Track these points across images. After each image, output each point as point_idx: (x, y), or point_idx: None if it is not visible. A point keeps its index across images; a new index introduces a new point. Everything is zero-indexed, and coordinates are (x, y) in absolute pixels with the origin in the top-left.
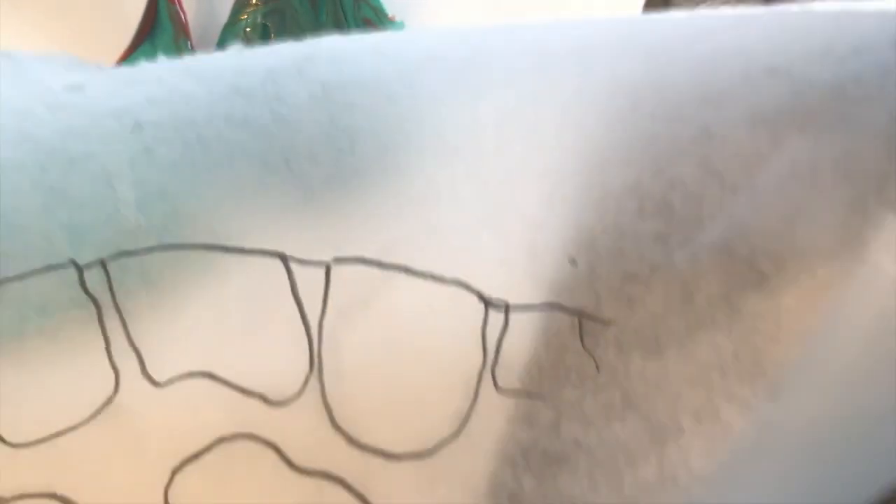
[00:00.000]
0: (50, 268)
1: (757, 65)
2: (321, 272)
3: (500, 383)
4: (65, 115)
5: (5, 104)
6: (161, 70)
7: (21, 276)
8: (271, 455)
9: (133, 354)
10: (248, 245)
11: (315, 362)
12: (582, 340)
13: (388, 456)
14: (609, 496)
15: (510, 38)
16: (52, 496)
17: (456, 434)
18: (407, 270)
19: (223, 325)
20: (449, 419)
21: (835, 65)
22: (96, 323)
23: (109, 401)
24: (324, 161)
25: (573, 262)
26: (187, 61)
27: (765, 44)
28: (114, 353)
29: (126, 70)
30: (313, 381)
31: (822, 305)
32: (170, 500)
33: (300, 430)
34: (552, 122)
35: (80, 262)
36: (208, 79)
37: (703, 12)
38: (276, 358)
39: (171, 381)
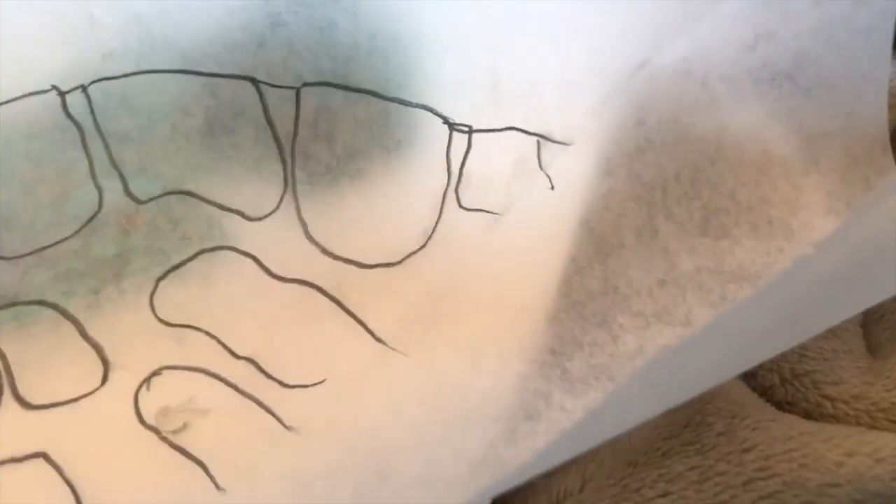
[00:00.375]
0: (33, 94)
1: None
2: (291, 94)
3: (462, 202)
4: None
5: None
6: None
7: (5, 102)
8: (251, 265)
9: (116, 174)
10: (221, 71)
11: (289, 181)
12: (540, 162)
13: (360, 265)
14: (559, 301)
15: None
16: (42, 303)
17: (422, 247)
18: (373, 94)
19: (200, 147)
20: (416, 234)
21: None
22: (80, 145)
23: (94, 217)
24: None
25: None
26: None
27: None
28: (97, 173)
29: None
30: (288, 198)
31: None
32: (154, 306)
33: (277, 243)
34: None
35: (63, 88)
36: None
37: None
38: (252, 177)
39: (151, 199)
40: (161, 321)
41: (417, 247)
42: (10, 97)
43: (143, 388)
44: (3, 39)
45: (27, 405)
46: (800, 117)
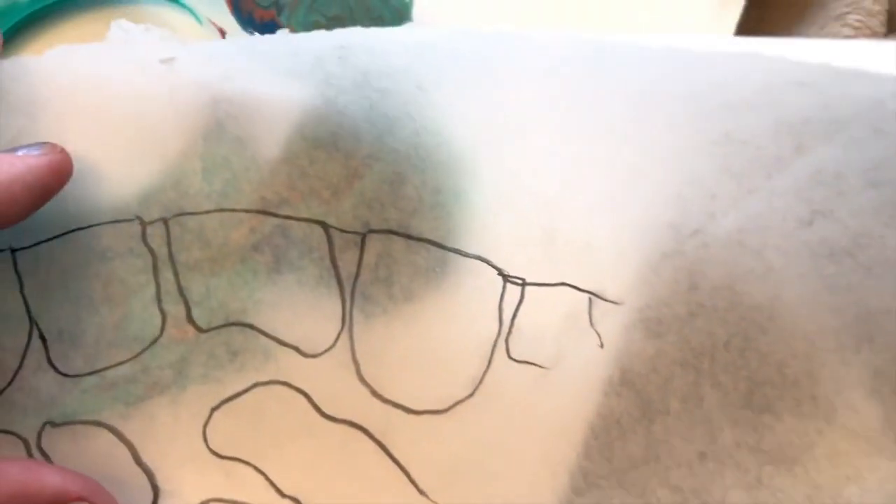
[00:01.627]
0: (118, 221)
1: (784, 77)
2: (357, 239)
3: (512, 353)
4: (154, 85)
5: (113, 70)
6: (234, 48)
7: (89, 227)
8: (302, 401)
9: (181, 301)
10: (296, 214)
11: (346, 320)
12: (590, 319)
13: (408, 410)
14: (601, 465)
15: (525, 42)
16: (98, 424)
17: (470, 395)
18: (433, 244)
19: (266, 282)
20: (465, 382)
21: (870, 83)
22: (150, 271)
23: (155, 341)
24: (366, 141)
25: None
26: (254, 41)
27: (793, 63)
28: (163, 299)
29: (210, 46)
30: (344, 337)
31: None
32: (207, 436)
33: (329, 381)
34: (570, 113)
35: (146, 219)
36: (268, 59)
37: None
38: (312, 314)
39: (213, 329)
40: (212, 452)
41: (465, 395)
42: (93, 221)
43: None
44: (93, 168)
45: None
46: (858, 293)
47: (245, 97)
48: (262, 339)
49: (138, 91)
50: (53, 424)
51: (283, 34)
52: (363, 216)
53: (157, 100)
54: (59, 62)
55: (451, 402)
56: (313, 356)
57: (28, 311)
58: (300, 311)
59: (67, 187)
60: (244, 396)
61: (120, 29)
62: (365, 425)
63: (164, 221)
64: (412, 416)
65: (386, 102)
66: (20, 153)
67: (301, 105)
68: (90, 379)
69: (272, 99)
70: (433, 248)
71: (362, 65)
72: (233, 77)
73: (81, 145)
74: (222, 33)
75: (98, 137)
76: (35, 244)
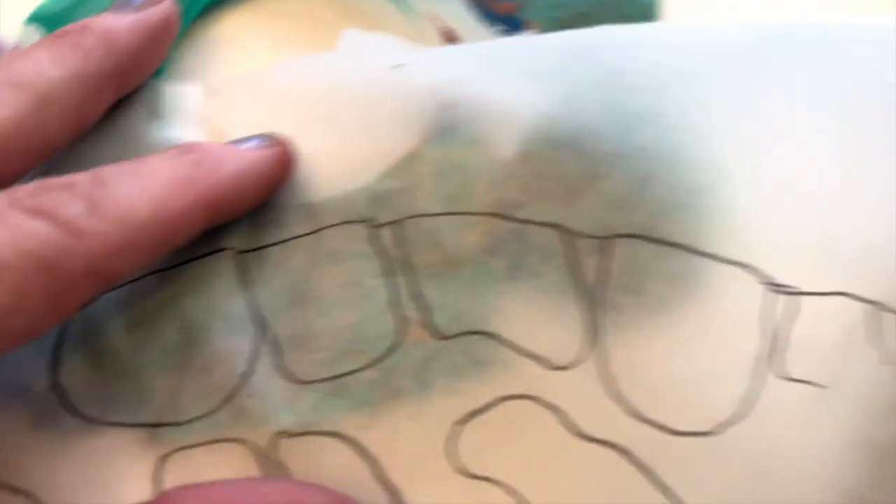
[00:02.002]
0: (347, 223)
1: None
2: (600, 245)
3: (781, 370)
4: (386, 90)
5: (344, 77)
6: (468, 52)
7: (320, 230)
8: (553, 419)
9: (416, 308)
10: (533, 218)
11: (593, 331)
12: (871, 333)
13: (672, 431)
14: (889, 495)
15: (786, 34)
16: (337, 435)
17: (742, 416)
18: (687, 249)
19: (504, 289)
20: (729, 401)
21: None
22: (385, 275)
23: (393, 348)
24: (609, 139)
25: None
26: (489, 45)
27: None
28: (400, 303)
29: (442, 51)
30: (594, 350)
31: None
32: (453, 453)
33: (579, 397)
34: (843, 106)
35: (377, 221)
36: (504, 62)
37: None
38: (555, 324)
39: (454, 336)
40: (460, 471)
41: (729, 414)
42: (323, 224)
43: None
44: (323, 171)
45: None
46: None
47: (478, 100)
48: (505, 349)
49: (369, 96)
50: (288, 434)
51: (521, 37)
52: (605, 219)
53: (387, 104)
54: (291, 73)
55: (714, 423)
56: (561, 369)
57: (255, 314)
58: (542, 320)
59: (296, 189)
60: (490, 411)
61: (351, 37)
62: (624, 445)
63: (397, 223)
64: (675, 438)
65: (633, 100)
66: (244, 146)
67: (539, 105)
68: (326, 386)
69: (508, 101)
70: (686, 254)
71: (608, 62)
72: (466, 80)
73: (311, 148)
74: (445, 30)
75: (328, 142)
76: (262, 247)
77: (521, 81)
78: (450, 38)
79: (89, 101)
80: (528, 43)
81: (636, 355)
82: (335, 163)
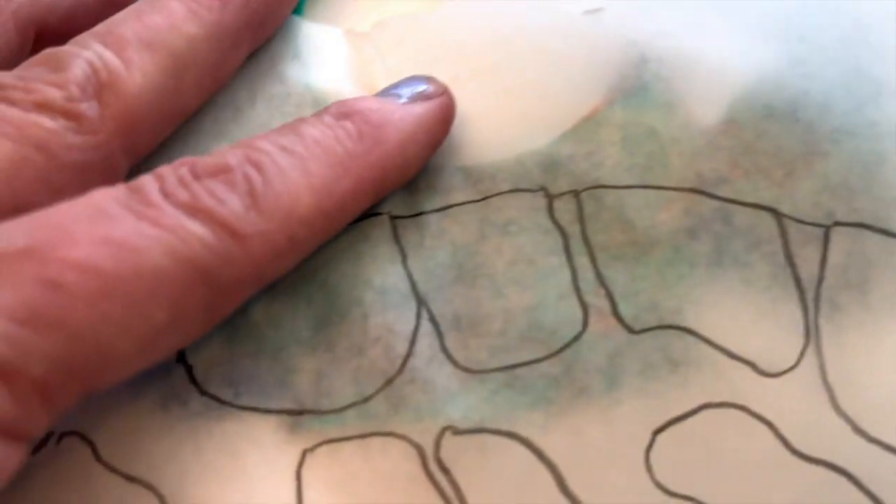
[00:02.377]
0: (519, 190)
1: None
2: (819, 233)
3: None
4: (573, 39)
5: (524, 22)
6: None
7: (487, 197)
8: (765, 433)
9: (603, 293)
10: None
11: (812, 333)
12: None
13: None
14: None
15: None
16: (512, 435)
17: None
18: None
19: (706, 277)
20: None
21: None
22: (562, 252)
23: (577, 338)
24: (838, 111)
25: None
26: None
27: None
28: (581, 287)
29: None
30: (811, 354)
31: None
32: (651, 465)
33: (796, 409)
34: None
35: (552, 191)
36: (723, 12)
37: None
38: (766, 322)
39: (647, 330)
40: (658, 485)
41: None
42: (496, 191)
43: None
44: (492, 131)
45: None
46: None
47: (681, 56)
48: (707, 348)
49: (552, 45)
50: (456, 431)
51: None
52: (826, 204)
53: (573, 57)
54: (457, 17)
55: None
56: (773, 375)
57: (414, 289)
58: (749, 317)
59: (458, 149)
60: (692, 419)
61: None
62: (849, 469)
63: (575, 194)
64: None
65: (879, 65)
66: (403, 98)
67: (761, 66)
68: (498, 377)
69: (717, 59)
70: None
71: (855, 14)
72: (670, 33)
73: (478, 104)
74: None
75: (497, 98)
76: (420, 213)
77: (744, 37)
78: None
79: (227, 58)
80: None
81: (857, 362)
82: (505, 122)
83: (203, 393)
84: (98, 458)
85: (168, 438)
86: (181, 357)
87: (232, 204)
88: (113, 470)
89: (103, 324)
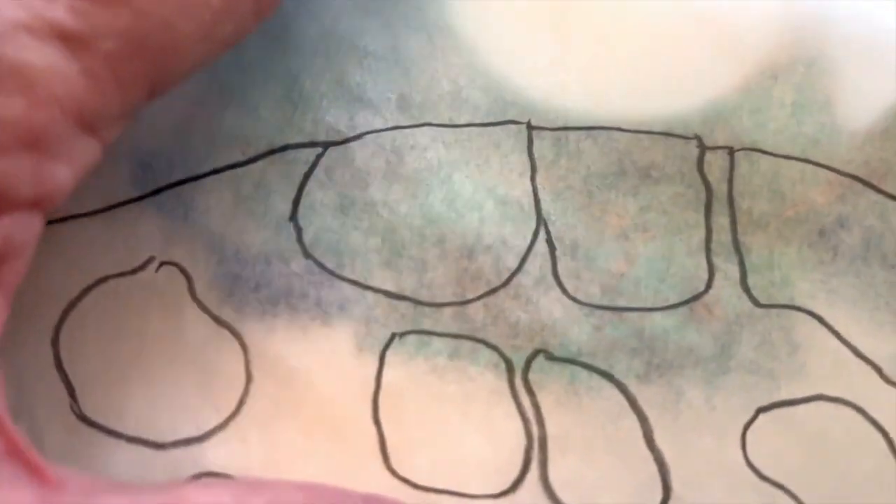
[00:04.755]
0: (670, 135)
1: None
2: None
3: None
4: None
5: None
6: None
7: (636, 131)
8: (877, 439)
9: (736, 258)
10: None
11: None
12: None
13: None
14: None
15: None
16: (608, 376)
17: None
18: None
19: (848, 269)
20: None
21: None
22: (702, 210)
23: (697, 296)
24: None
25: None
26: None
27: None
28: (713, 248)
29: None
30: None
31: None
32: (746, 442)
33: None
34: None
35: (707, 143)
36: None
37: None
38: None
39: (774, 306)
40: (750, 465)
41: None
42: (651, 129)
43: None
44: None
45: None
46: None
47: (871, 32)
48: (833, 340)
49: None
50: (549, 356)
51: None
52: None
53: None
54: None
55: None
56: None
57: (537, 206)
58: (886, 320)
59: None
60: (802, 407)
61: None
62: None
63: (730, 151)
64: None
65: None
66: None
67: None
68: (605, 315)
69: None
70: None
71: None
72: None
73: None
74: None
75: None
76: (560, 128)
77: None
78: None
79: None
80: None
81: None
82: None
83: (307, 256)
84: (193, 293)
85: (264, 290)
86: (293, 216)
87: None
88: (205, 309)
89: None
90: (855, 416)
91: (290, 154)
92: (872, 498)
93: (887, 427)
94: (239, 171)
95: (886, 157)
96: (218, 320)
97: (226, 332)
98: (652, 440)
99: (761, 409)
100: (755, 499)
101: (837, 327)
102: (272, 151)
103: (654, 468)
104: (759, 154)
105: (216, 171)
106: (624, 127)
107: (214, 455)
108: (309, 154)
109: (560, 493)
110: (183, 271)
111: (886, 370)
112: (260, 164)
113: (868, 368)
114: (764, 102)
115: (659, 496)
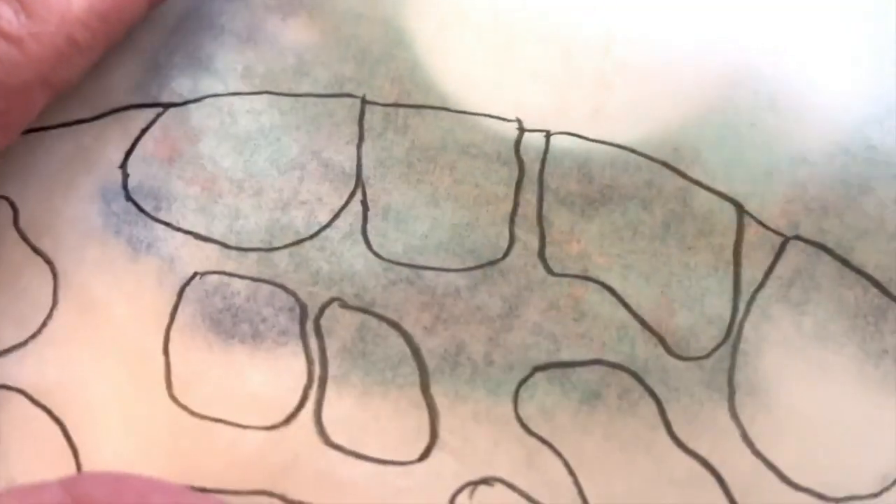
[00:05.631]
0: (495, 117)
1: None
2: (777, 243)
3: None
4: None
5: None
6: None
7: (463, 112)
8: (651, 408)
9: (537, 231)
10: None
11: (732, 333)
12: None
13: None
14: None
15: None
16: (397, 327)
17: None
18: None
19: (643, 247)
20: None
21: None
22: (512, 185)
23: (493, 262)
24: (839, 124)
25: None
26: None
27: None
28: (517, 220)
29: None
30: (726, 348)
31: None
32: (519, 398)
33: (687, 394)
34: None
35: (526, 125)
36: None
37: None
38: (695, 307)
39: (566, 276)
40: (521, 422)
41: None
42: (478, 111)
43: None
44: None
45: None
46: None
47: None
48: (621, 311)
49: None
50: (343, 304)
51: None
52: (795, 218)
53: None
54: None
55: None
56: (683, 359)
57: (359, 171)
58: (673, 295)
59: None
60: (580, 370)
61: None
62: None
63: (547, 134)
64: None
65: None
66: None
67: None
68: (403, 271)
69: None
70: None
71: None
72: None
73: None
74: None
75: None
76: (394, 105)
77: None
78: None
79: None
80: None
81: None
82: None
83: (128, 198)
84: (16, 223)
85: (82, 226)
86: (123, 164)
87: (4, 12)
88: (24, 238)
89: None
90: (631, 382)
91: (133, 112)
92: (636, 462)
93: (661, 396)
94: (84, 125)
95: (696, 145)
96: (35, 249)
97: (40, 260)
98: (427, 388)
99: (538, 368)
100: (519, 451)
101: (628, 300)
102: (116, 110)
103: (425, 415)
104: (573, 138)
105: (64, 125)
106: (451, 108)
107: (10, 370)
108: (150, 113)
109: (330, 430)
110: (11, 204)
111: (671, 342)
112: (104, 120)
113: (653, 339)
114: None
115: (426, 441)
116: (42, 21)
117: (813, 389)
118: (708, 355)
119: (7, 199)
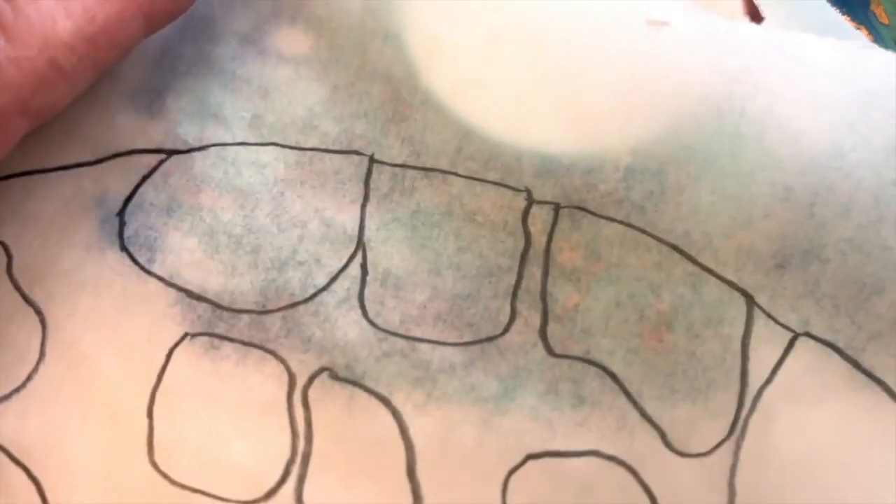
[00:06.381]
0: (503, 185)
1: None
2: (784, 336)
3: None
4: (626, 52)
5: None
6: (759, 33)
7: (472, 178)
8: (644, 502)
9: (540, 307)
10: None
11: (737, 430)
12: None
13: None
14: None
15: None
16: (386, 402)
17: None
18: None
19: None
20: None
21: None
22: (518, 256)
23: (491, 338)
24: (854, 221)
25: None
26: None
27: None
28: (519, 294)
29: (728, 23)
30: (728, 445)
31: None
32: (508, 487)
33: (689, 490)
34: None
35: (535, 196)
36: (799, 60)
37: None
38: (699, 402)
39: (567, 357)
40: None
41: None
42: (485, 177)
43: None
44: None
45: None
46: None
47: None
48: (622, 399)
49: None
50: (334, 375)
51: (840, 43)
52: (806, 314)
53: (624, 70)
54: None
55: None
56: (680, 454)
57: (361, 232)
58: (677, 386)
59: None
60: (575, 461)
61: None
62: None
63: (556, 207)
64: None
65: None
66: None
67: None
68: (398, 343)
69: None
70: None
71: None
72: (749, 68)
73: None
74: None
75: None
76: (402, 165)
77: (808, 100)
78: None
79: None
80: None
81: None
82: (520, 115)
83: (123, 248)
84: (10, 271)
85: (75, 276)
86: (121, 212)
87: None
88: (17, 286)
89: None
90: (627, 478)
91: (135, 158)
92: None
93: (657, 494)
94: (85, 168)
95: (708, 231)
96: (26, 298)
97: (30, 311)
98: (413, 471)
99: (531, 456)
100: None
101: (630, 387)
102: (119, 154)
103: (409, 499)
104: (583, 214)
105: (64, 168)
106: (460, 173)
107: None
108: (152, 159)
109: None
110: (6, 249)
111: (670, 436)
112: (106, 164)
113: (652, 432)
114: (599, 165)
115: None
116: (23, 44)
117: (821, 498)
118: (709, 452)
119: (2, 243)
